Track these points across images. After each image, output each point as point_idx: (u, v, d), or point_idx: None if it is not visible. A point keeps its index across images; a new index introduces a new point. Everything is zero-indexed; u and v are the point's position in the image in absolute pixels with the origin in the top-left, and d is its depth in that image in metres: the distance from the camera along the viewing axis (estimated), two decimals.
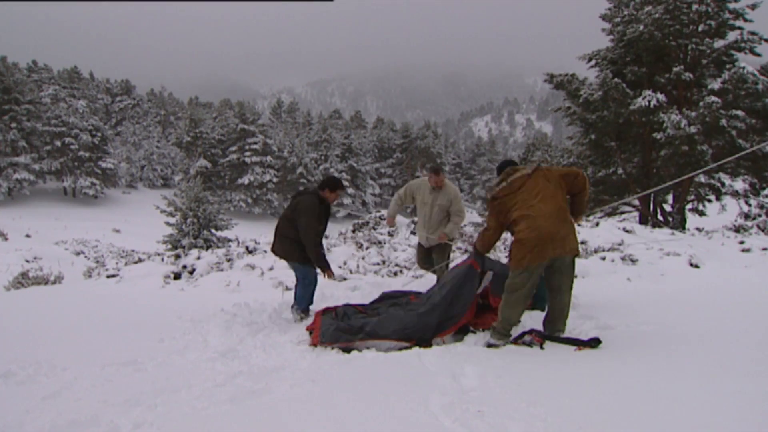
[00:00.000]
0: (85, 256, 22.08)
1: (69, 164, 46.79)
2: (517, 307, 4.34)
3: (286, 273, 7.78)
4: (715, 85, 12.58)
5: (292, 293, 5.96)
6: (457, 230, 6.38)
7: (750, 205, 14.93)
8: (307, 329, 4.99)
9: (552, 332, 4.41)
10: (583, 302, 5.66)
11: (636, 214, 15.86)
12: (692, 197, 15.32)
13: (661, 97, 13.01)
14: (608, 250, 8.10)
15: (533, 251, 4.20)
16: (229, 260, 9.27)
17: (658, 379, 3.29)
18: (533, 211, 4.25)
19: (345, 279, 7.82)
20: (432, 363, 3.86)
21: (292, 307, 5.73)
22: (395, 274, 8.36)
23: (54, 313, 6.62)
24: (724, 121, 12.21)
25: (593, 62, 15.23)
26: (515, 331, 4.49)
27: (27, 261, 17.50)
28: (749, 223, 12.91)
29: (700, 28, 13.34)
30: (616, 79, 13.32)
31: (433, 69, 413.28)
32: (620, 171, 15.22)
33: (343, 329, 4.67)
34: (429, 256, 6.54)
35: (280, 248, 5.67)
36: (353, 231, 13.57)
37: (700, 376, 3.34)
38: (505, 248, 8.81)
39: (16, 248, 21.21)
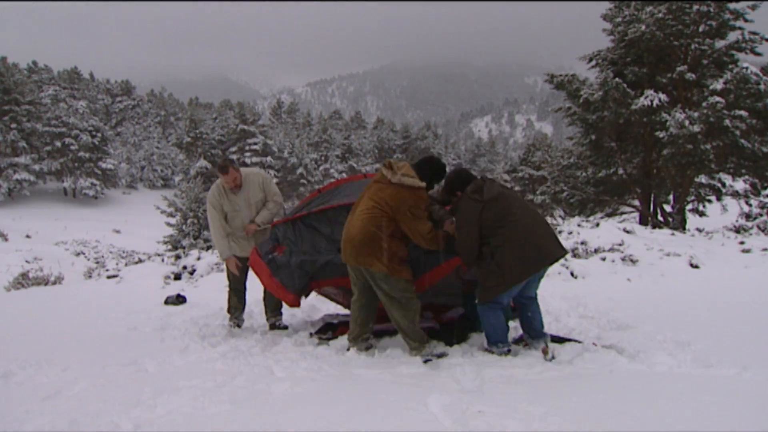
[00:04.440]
0: (86, 257, 22.10)
1: (69, 165, 46.75)
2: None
3: None
4: (718, 85, 12.55)
5: None
6: (271, 216, 5.16)
7: (751, 206, 14.91)
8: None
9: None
10: (583, 303, 5.66)
11: (636, 214, 15.85)
12: (692, 198, 15.30)
13: (663, 96, 13.00)
14: (608, 251, 8.11)
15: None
16: None
17: (657, 379, 3.29)
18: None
19: None
20: (432, 363, 3.86)
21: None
22: None
23: (54, 313, 6.63)
24: (727, 122, 12.19)
25: (594, 63, 15.25)
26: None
27: (27, 261, 17.49)
28: (749, 224, 12.88)
29: (701, 29, 13.34)
30: (617, 79, 13.31)
31: (433, 69, 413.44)
32: (621, 171, 15.22)
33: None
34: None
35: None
36: None
37: (699, 376, 3.34)
38: None
39: (17, 249, 21.21)
